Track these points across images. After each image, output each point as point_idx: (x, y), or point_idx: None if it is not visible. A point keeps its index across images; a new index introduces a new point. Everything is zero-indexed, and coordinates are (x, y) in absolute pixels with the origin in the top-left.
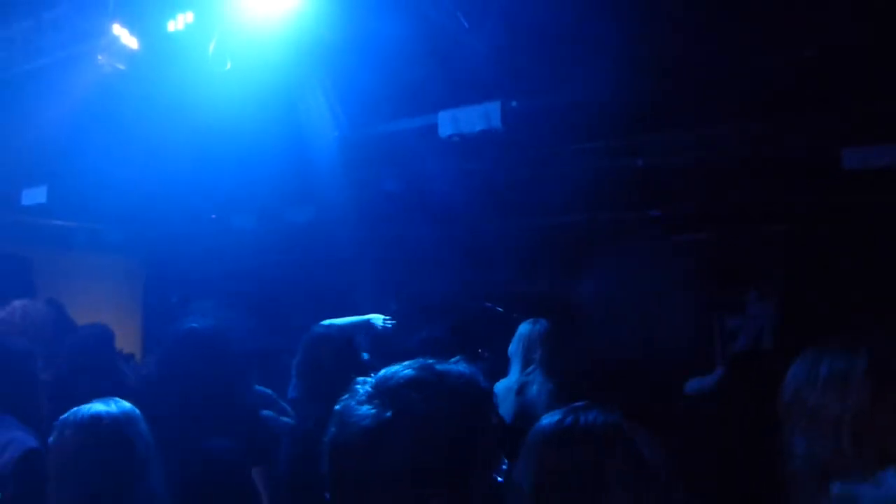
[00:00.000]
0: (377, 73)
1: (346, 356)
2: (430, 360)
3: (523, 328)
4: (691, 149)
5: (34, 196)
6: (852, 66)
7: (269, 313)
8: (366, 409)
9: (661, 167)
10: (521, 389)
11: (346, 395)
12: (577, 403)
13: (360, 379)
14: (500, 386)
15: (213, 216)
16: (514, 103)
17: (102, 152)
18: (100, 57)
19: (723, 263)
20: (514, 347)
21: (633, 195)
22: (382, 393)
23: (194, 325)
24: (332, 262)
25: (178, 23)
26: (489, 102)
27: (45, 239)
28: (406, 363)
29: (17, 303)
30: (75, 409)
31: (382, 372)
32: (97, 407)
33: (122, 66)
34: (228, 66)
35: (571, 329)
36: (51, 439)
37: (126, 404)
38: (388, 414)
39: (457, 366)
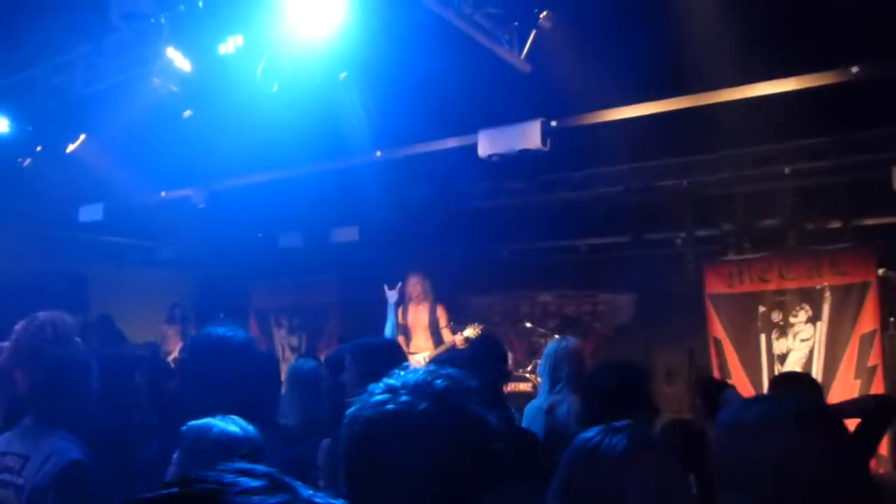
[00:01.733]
0: (418, 92)
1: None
2: (434, 367)
3: (550, 346)
4: (736, 169)
5: (91, 213)
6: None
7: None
8: (400, 402)
9: (705, 187)
10: (550, 409)
11: (359, 400)
12: (615, 424)
13: (373, 385)
14: (531, 406)
15: (260, 235)
16: (553, 123)
17: (157, 172)
18: (155, 80)
19: (769, 283)
20: (542, 366)
21: (676, 215)
22: (410, 389)
23: (220, 330)
24: (374, 279)
25: (228, 46)
26: (529, 122)
27: (100, 255)
28: (416, 369)
29: (42, 315)
30: (202, 424)
31: (396, 376)
32: (230, 427)
33: (175, 88)
34: (276, 87)
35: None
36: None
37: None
38: (423, 405)
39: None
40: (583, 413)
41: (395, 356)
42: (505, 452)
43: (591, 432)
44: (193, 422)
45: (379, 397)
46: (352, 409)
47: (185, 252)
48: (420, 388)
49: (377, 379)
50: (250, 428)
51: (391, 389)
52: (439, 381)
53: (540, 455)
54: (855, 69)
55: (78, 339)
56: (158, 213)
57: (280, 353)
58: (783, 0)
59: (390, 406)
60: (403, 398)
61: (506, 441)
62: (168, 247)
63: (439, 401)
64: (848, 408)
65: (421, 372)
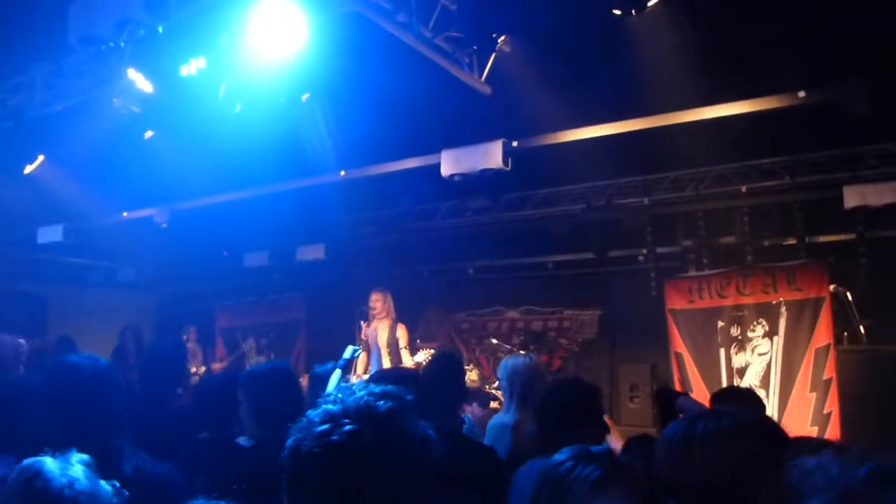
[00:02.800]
0: (380, 113)
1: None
2: (377, 388)
3: (517, 364)
4: (695, 187)
5: (50, 234)
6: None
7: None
8: (344, 432)
9: (665, 205)
10: (518, 426)
11: (299, 429)
12: (589, 448)
13: (311, 412)
14: (495, 422)
15: (225, 253)
16: (514, 143)
17: (118, 192)
18: (116, 100)
19: (727, 299)
20: (506, 383)
21: (637, 233)
22: (353, 416)
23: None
24: (341, 297)
25: (190, 67)
26: (490, 142)
27: (60, 276)
28: (353, 390)
29: None
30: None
31: (335, 400)
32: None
33: (136, 109)
34: (238, 108)
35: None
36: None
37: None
38: (369, 432)
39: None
40: (539, 430)
41: (284, 385)
42: (459, 467)
43: (561, 456)
44: (27, 463)
45: (321, 427)
46: (291, 438)
47: (147, 272)
48: (363, 414)
49: (271, 415)
50: (82, 481)
51: (333, 417)
52: (381, 403)
53: (500, 470)
54: (801, 94)
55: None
56: (120, 233)
57: None
58: (735, 29)
59: (335, 437)
60: (347, 427)
61: (465, 458)
62: (130, 267)
63: (385, 424)
64: None
65: (360, 394)
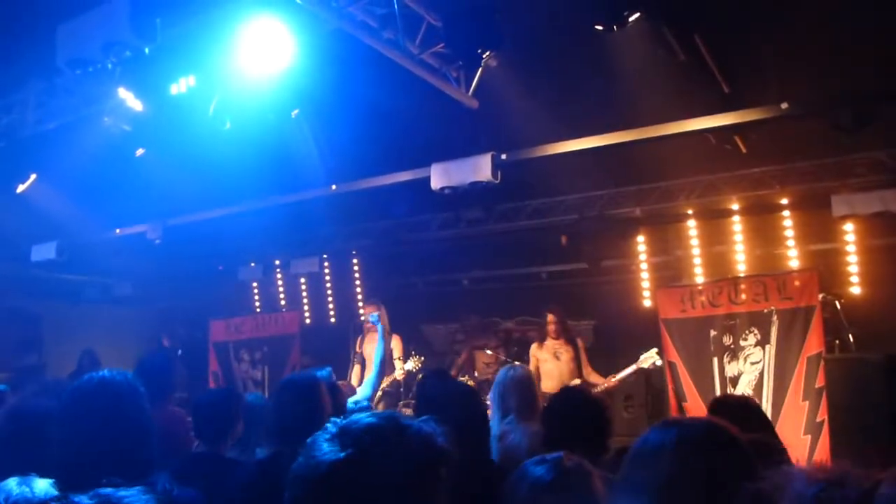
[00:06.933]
0: (370, 127)
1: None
2: (397, 414)
3: (500, 375)
4: (686, 196)
5: (43, 252)
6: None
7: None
8: (327, 447)
9: (656, 215)
10: (502, 436)
11: (317, 434)
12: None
13: (334, 419)
14: None
15: (221, 268)
16: (503, 156)
17: (111, 209)
18: (106, 119)
19: (719, 308)
20: (493, 394)
21: (630, 242)
22: (344, 434)
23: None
24: (336, 309)
25: (180, 86)
26: (480, 155)
27: (55, 293)
28: (374, 412)
29: None
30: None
31: (353, 416)
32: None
33: (127, 127)
34: (228, 125)
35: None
36: None
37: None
38: (342, 455)
39: (421, 422)
40: (547, 437)
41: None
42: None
43: (543, 462)
44: None
45: (322, 446)
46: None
47: (142, 288)
48: (361, 436)
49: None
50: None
51: (331, 438)
52: (383, 426)
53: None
54: (784, 105)
55: None
56: (113, 250)
57: (242, 387)
58: (716, 41)
59: (330, 457)
60: (348, 449)
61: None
62: (125, 283)
63: (381, 448)
64: None
65: (362, 416)
